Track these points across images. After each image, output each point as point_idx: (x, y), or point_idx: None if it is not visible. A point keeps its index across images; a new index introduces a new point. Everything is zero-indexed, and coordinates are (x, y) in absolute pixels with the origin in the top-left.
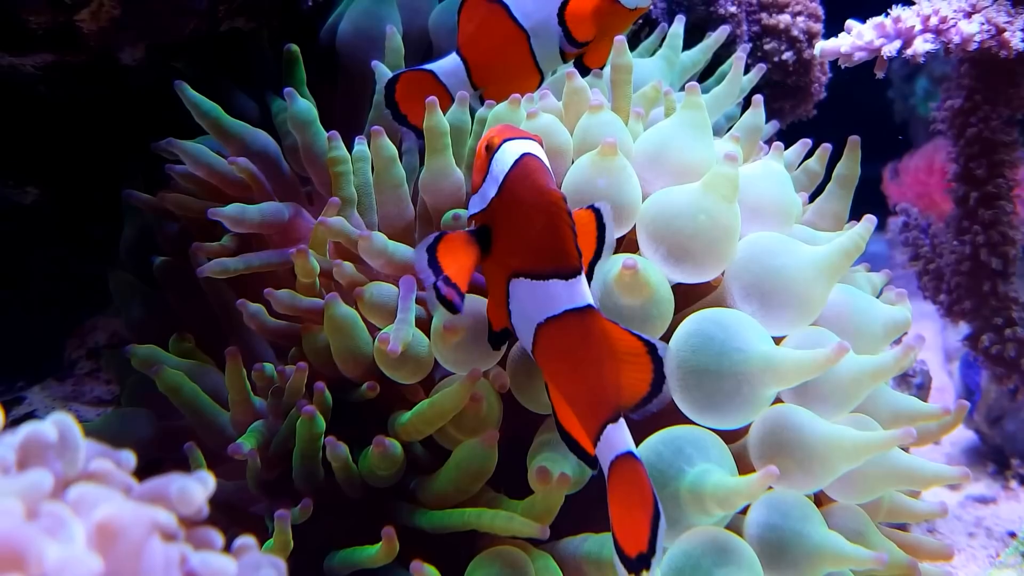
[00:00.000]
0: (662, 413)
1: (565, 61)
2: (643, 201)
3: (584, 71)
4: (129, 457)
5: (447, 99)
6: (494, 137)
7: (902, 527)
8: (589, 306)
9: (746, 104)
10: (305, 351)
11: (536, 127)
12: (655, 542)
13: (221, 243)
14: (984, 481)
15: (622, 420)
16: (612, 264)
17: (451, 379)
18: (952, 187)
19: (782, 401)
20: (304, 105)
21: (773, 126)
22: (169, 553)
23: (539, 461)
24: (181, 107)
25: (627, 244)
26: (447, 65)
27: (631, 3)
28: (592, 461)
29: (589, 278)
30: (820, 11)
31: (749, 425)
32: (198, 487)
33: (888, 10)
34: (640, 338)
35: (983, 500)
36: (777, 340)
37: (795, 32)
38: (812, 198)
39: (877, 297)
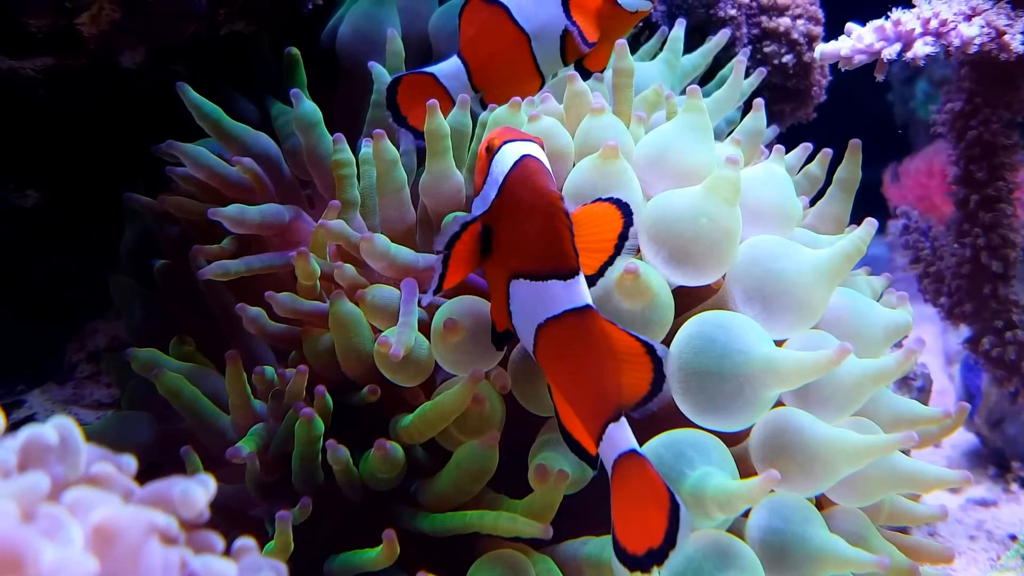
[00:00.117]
0: (663, 416)
1: (567, 64)
2: (645, 204)
3: (585, 74)
4: (130, 461)
5: (448, 102)
6: (494, 139)
7: (903, 530)
8: (588, 306)
9: (746, 108)
10: (306, 354)
11: (537, 130)
12: (674, 535)
13: (221, 246)
14: (985, 484)
15: (624, 419)
16: (613, 267)
17: (453, 381)
18: (952, 190)
19: (783, 404)
20: (310, 107)
21: (773, 131)
22: (169, 556)
23: (539, 460)
24: (181, 110)
25: None
26: (448, 68)
27: (632, 6)
28: (593, 461)
29: (600, 275)
30: (820, 14)
31: (750, 428)
32: (200, 490)
33: (888, 13)
34: (638, 339)
35: (984, 503)
36: (778, 343)
37: (795, 35)
38: (813, 202)
39: (878, 301)
